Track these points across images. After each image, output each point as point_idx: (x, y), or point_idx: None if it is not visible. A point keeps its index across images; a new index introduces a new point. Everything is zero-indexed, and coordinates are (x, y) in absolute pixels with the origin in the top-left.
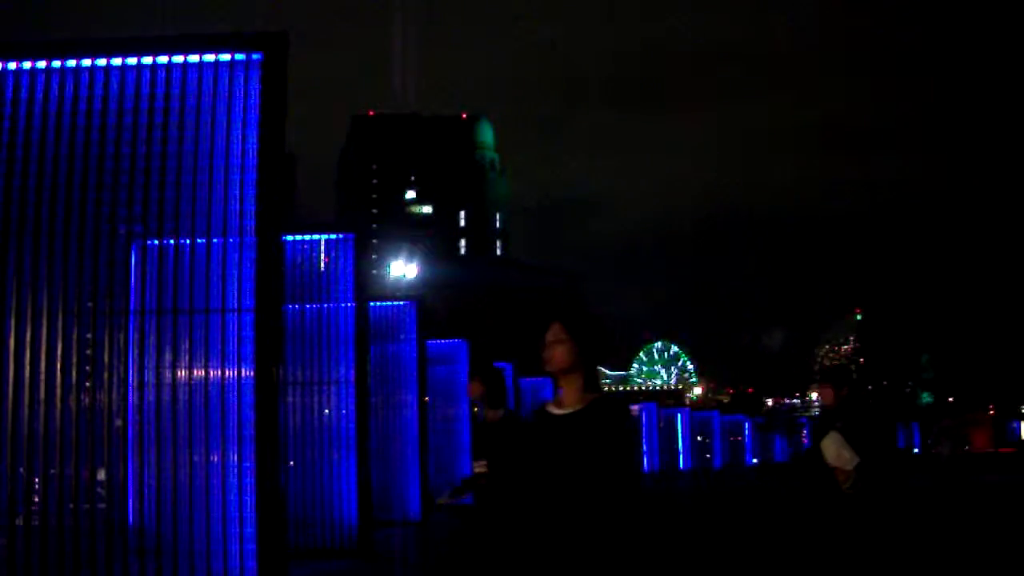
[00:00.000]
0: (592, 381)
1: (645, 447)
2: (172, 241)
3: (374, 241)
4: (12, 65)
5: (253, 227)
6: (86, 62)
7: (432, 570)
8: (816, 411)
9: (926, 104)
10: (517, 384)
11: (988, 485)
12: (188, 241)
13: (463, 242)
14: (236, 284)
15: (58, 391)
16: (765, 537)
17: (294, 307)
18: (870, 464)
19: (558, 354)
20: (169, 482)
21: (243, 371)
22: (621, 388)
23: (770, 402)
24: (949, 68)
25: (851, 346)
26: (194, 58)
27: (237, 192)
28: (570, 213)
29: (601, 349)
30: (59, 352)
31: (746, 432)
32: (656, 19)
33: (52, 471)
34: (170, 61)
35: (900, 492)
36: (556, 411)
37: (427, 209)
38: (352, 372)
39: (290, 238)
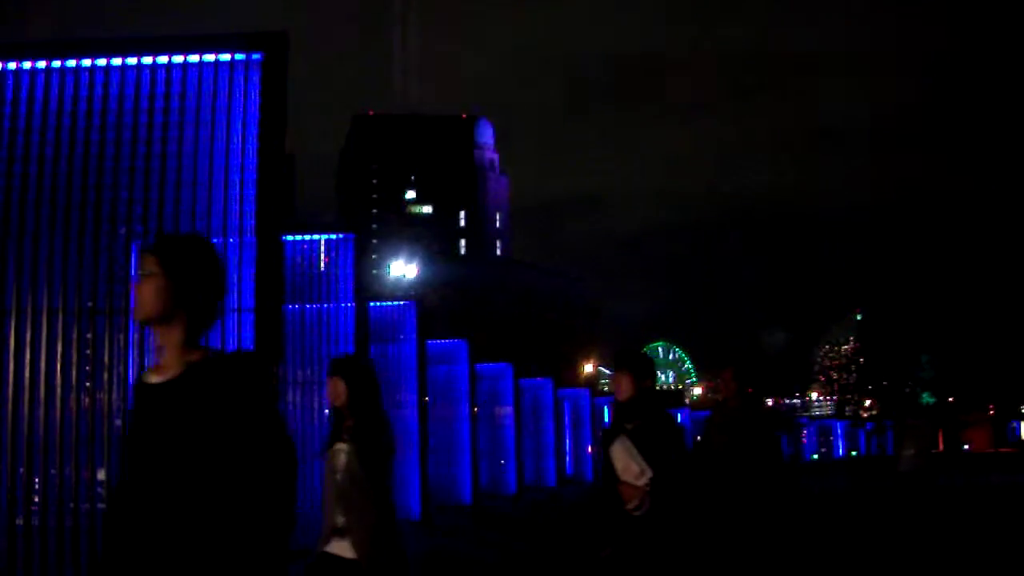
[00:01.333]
0: (196, 335)
1: None
2: None
3: (374, 241)
4: (12, 65)
5: (253, 227)
6: (86, 62)
7: (432, 570)
8: (816, 410)
9: (926, 104)
10: (517, 385)
11: (956, 491)
12: None
13: (463, 242)
14: (236, 284)
15: (58, 391)
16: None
17: (294, 307)
18: (665, 480)
19: (144, 293)
20: None
21: None
22: None
23: (770, 402)
24: (950, 68)
25: (851, 346)
26: (194, 58)
27: (237, 192)
28: (570, 213)
29: (212, 289)
30: (59, 352)
31: None
32: (656, 19)
33: (52, 471)
34: (170, 61)
35: (729, 518)
36: (152, 378)
37: (427, 209)
38: None
39: (290, 238)
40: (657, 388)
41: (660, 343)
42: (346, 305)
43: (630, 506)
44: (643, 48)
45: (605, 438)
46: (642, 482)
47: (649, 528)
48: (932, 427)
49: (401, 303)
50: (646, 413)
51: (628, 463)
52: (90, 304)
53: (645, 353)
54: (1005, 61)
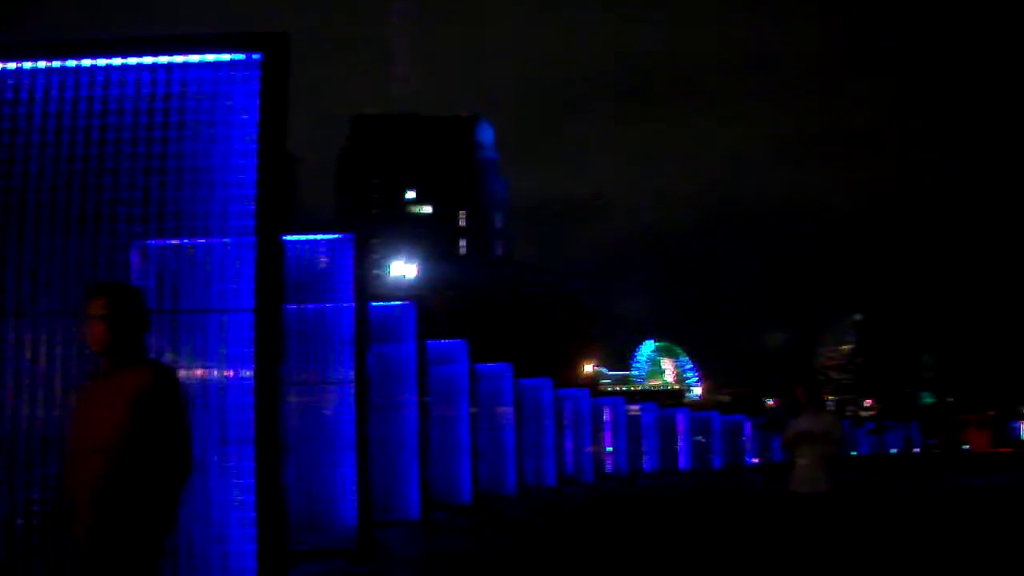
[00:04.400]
0: None
1: (645, 446)
2: (172, 241)
3: (374, 241)
4: (12, 65)
5: (253, 227)
6: (86, 62)
7: (432, 570)
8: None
9: (926, 105)
10: (517, 385)
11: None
12: (188, 241)
13: (463, 242)
14: (236, 284)
15: (58, 391)
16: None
17: (294, 307)
18: None
19: None
20: None
21: (243, 371)
22: (620, 388)
23: (771, 402)
24: (950, 69)
25: (851, 346)
26: (194, 58)
27: (237, 192)
28: (570, 213)
29: None
30: (59, 352)
31: (746, 432)
32: (657, 22)
33: (52, 471)
34: (170, 61)
35: None
36: None
37: (427, 209)
38: (352, 372)
39: (290, 238)
40: (659, 388)
41: (660, 343)
42: (346, 305)
43: None
44: (644, 49)
45: None
46: None
47: None
48: (841, 424)
49: (401, 303)
50: None
51: None
52: None
53: None
54: (1005, 62)
